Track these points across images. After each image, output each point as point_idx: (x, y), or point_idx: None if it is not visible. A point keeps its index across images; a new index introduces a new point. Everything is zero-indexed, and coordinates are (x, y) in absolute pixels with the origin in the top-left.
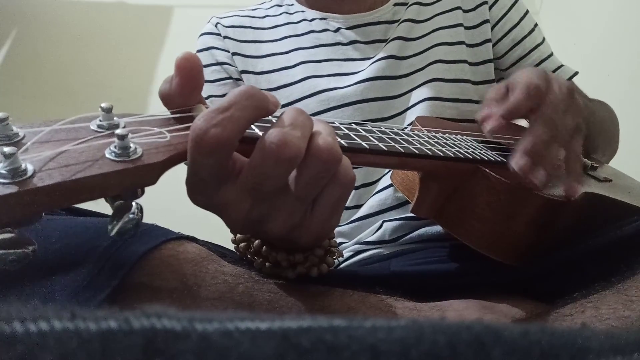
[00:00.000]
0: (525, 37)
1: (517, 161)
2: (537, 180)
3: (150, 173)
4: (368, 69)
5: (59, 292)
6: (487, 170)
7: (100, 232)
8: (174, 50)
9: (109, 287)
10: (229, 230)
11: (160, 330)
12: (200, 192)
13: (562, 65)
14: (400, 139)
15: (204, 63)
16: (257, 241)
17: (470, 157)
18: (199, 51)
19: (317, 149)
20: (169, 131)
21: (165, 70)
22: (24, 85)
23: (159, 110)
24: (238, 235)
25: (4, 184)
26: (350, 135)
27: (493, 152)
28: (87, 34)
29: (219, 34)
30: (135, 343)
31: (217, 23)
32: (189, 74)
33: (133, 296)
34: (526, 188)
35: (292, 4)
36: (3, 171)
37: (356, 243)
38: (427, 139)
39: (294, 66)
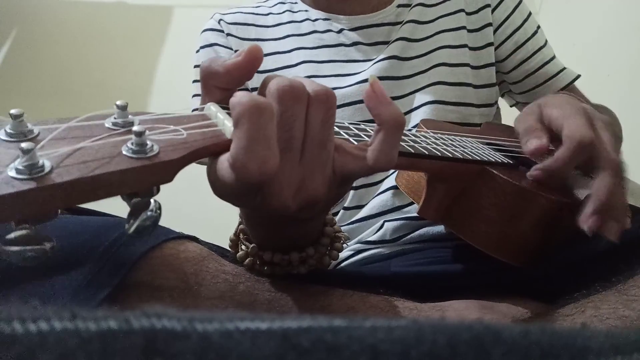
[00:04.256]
0: (528, 39)
1: (587, 221)
2: (612, 236)
3: (168, 170)
4: (370, 69)
5: (59, 291)
6: (494, 171)
7: (101, 231)
8: (174, 50)
9: (109, 286)
10: (227, 230)
11: (160, 330)
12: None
13: (564, 69)
14: (409, 139)
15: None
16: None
17: (478, 158)
18: (202, 47)
19: (316, 93)
20: (185, 129)
21: (165, 70)
22: (24, 85)
23: (159, 109)
24: (239, 253)
25: (21, 179)
26: (360, 135)
27: (499, 154)
28: (87, 34)
29: (221, 31)
30: (135, 343)
31: (220, 19)
32: (252, 61)
33: (134, 295)
34: (532, 189)
35: (296, 2)
36: (20, 167)
37: (357, 242)
38: (434, 139)
39: (296, 65)
